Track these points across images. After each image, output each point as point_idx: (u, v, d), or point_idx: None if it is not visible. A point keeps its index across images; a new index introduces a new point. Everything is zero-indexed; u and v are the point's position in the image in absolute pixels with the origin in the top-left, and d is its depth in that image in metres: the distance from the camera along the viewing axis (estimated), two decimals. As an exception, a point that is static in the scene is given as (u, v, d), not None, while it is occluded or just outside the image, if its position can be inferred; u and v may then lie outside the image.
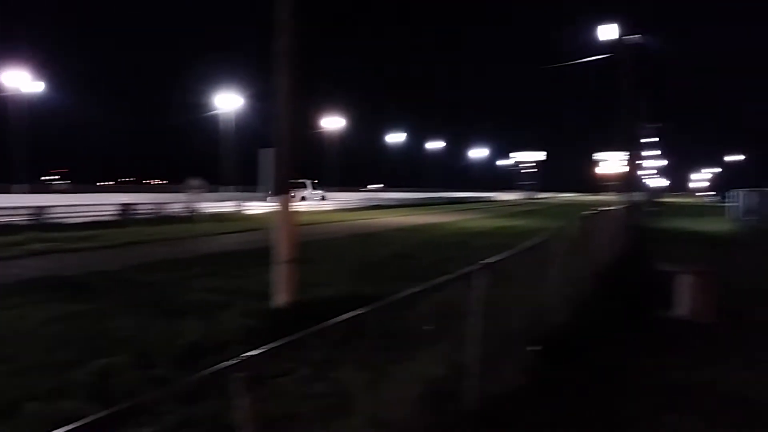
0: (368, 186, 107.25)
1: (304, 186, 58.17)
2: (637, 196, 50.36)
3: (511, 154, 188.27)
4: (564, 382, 6.34)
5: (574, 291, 9.54)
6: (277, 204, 9.59)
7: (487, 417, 4.98)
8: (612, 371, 6.91)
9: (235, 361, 2.44)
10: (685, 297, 9.85)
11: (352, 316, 3.32)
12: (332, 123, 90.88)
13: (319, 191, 64.76)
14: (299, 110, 9.64)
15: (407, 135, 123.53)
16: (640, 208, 38.12)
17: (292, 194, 9.75)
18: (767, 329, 9.04)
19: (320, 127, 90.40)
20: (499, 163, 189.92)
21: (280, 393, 3.88)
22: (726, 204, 57.73)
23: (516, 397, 5.58)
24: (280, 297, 9.30)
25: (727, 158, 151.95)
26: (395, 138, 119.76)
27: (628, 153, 35.24)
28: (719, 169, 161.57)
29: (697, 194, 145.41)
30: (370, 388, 4.71)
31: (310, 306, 9.30)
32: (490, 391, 5.29)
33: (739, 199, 38.23)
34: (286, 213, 9.40)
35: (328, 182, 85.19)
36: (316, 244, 19.75)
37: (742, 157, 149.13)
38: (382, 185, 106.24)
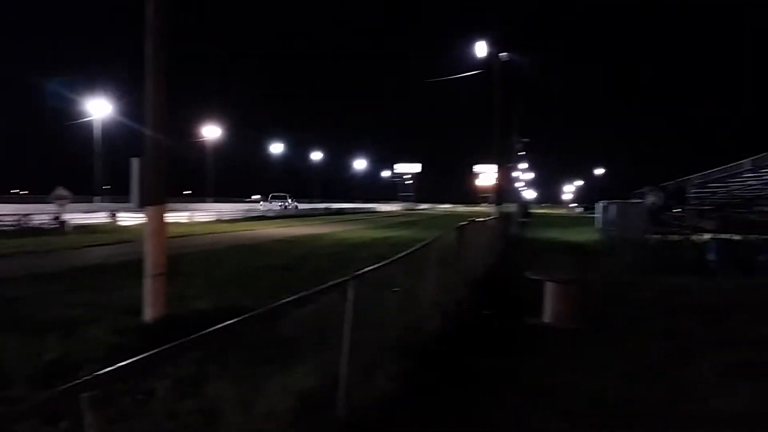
0: (251, 197, 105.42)
1: (285, 198, 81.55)
2: (510, 208, 52.38)
3: (395, 166, 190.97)
4: (436, 388, 6.47)
5: (447, 299, 9.78)
6: (146, 216, 9.22)
7: (359, 426, 4.99)
8: (482, 376, 7.11)
9: (84, 379, 2.31)
10: (551, 304, 10.33)
11: (221, 328, 3.23)
12: (210, 132, 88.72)
13: (295, 202, 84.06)
14: (168, 117, 9.31)
15: (289, 145, 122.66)
16: (513, 219, 39.71)
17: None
18: (624, 334, 9.59)
19: (199, 137, 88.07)
20: (381, 174, 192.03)
21: (139, 412, 3.70)
22: (592, 215, 61.18)
23: (388, 405, 5.62)
24: (151, 311, 8.95)
25: (596, 171, 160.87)
26: (276, 148, 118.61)
27: (498, 165, 36.57)
28: (581, 182, 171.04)
29: (568, 205, 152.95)
30: (242, 402, 4.61)
31: (184, 320, 9.01)
32: (363, 400, 5.30)
33: (600, 210, 40.60)
34: (156, 224, 9.05)
35: (206, 193, 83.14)
36: (193, 256, 19.23)
37: (602, 171, 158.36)
38: (259, 196, 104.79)
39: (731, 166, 32.02)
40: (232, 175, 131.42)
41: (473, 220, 14.30)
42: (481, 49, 34.93)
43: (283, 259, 19.50)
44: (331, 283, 4.64)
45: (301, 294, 4.16)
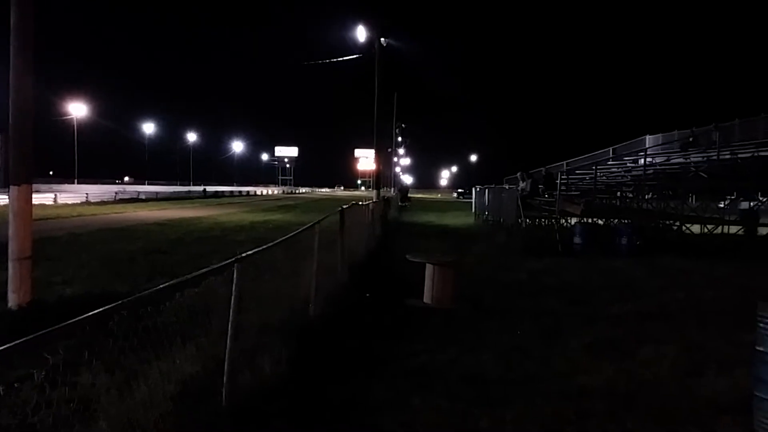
0: (125, 179, 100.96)
1: None
2: (389, 192, 53.02)
3: (275, 149, 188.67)
4: (320, 372, 6.50)
5: (330, 282, 9.83)
6: (9, 196, 8.62)
7: (243, 412, 4.94)
8: (364, 358, 7.20)
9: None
10: (430, 286, 10.59)
11: (97, 314, 3.09)
12: (76, 110, 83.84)
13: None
14: (33, 91, 8.73)
15: (163, 126, 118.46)
16: (393, 203, 40.30)
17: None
18: (498, 314, 9.98)
19: (65, 115, 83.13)
20: (260, 157, 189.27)
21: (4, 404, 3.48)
22: (468, 200, 63.06)
23: (273, 389, 5.60)
24: (16, 297, 8.40)
25: (471, 157, 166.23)
26: (148, 128, 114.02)
27: (377, 150, 36.92)
28: (457, 168, 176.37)
29: (448, 190, 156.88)
30: (120, 391, 4.45)
31: (53, 306, 8.56)
32: (248, 385, 5.26)
33: (476, 195, 42.01)
34: (21, 205, 8.48)
35: (72, 174, 78.71)
36: (60, 240, 18.22)
37: (477, 157, 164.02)
38: (128, 178, 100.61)
39: (596, 154, 34.08)
40: (99, 155, 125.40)
41: (354, 204, 14.41)
42: (361, 33, 35.09)
43: (158, 242, 18.84)
44: (215, 266, 4.54)
45: (185, 277, 4.05)
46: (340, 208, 11.50)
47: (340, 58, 37.08)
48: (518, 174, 26.47)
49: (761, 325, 5.05)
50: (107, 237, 20.27)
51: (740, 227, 22.23)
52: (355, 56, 36.32)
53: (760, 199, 28.02)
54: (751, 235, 21.73)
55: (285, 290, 7.43)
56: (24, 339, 2.59)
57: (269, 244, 5.94)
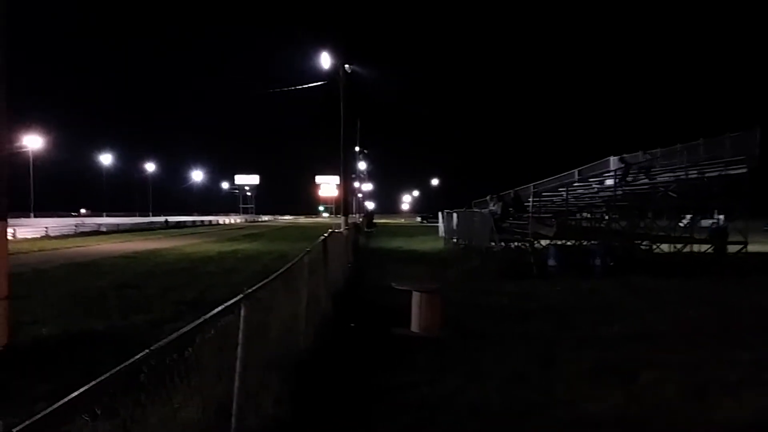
0: (81, 211, 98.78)
1: None
2: (355, 218, 52.76)
3: (235, 178, 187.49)
4: (321, 408, 6.25)
5: (315, 313, 9.56)
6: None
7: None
8: (364, 391, 6.96)
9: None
10: (418, 314, 10.39)
11: (129, 364, 2.81)
12: (32, 142, 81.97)
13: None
14: (9, 124, 8.40)
15: (121, 157, 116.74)
16: (361, 230, 40.10)
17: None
18: (488, 340, 9.81)
19: (19, 147, 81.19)
20: (221, 186, 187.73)
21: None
22: (432, 224, 63.18)
23: (276, 428, 5.33)
24: (-6, 341, 7.96)
25: (432, 181, 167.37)
26: (106, 159, 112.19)
27: (343, 176, 36.81)
28: (418, 193, 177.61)
29: (411, 215, 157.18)
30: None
31: (31, 349, 8.15)
32: (251, 426, 4.97)
33: (441, 219, 42.05)
34: (-3, 242, 8.08)
35: (28, 207, 76.79)
36: (26, 276, 17.59)
37: (438, 181, 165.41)
38: (84, 210, 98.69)
39: (562, 176, 34.39)
40: (56, 187, 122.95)
41: (333, 232, 14.19)
42: (325, 60, 35.10)
43: (127, 276, 18.32)
44: (226, 304, 4.28)
45: (203, 318, 3.78)
46: (322, 237, 11.27)
47: (305, 86, 37.04)
48: (488, 197, 26.52)
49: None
50: (73, 272, 19.63)
51: (709, 245, 22.53)
52: (319, 83, 36.33)
53: (718, 217, 28.55)
54: (720, 253, 22.03)
55: (274, 324, 7.16)
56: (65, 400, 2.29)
57: (270, 278, 5.68)
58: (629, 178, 25.69)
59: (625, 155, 28.65)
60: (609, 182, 27.55)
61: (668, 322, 11.27)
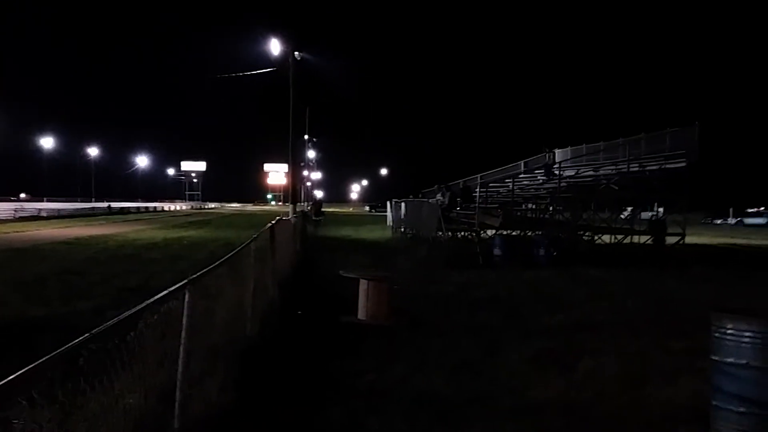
0: (20, 195, 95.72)
1: None
2: (303, 206, 52.49)
3: (181, 164, 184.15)
4: (268, 395, 6.20)
5: (263, 300, 9.48)
6: None
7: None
8: (311, 379, 6.93)
9: None
10: (365, 302, 10.40)
11: (68, 348, 2.73)
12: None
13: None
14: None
15: (63, 141, 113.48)
16: (308, 218, 39.91)
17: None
18: (435, 328, 9.89)
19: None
20: (166, 172, 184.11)
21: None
22: (381, 213, 63.31)
23: (224, 418, 5.26)
24: None
25: (381, 171, 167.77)
26: (47, 143, 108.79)
27: (292, 164, 36.58)
28: (366, 182, 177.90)
29: (360, 204, 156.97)
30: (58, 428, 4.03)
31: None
32: (196, 414, 4.90)
33: (390, 209, 42.16)
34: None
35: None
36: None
37: (386, 171, 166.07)
38: (24, 195, 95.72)
39: (508, 167, 34.87)
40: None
41: (280, 219, 14.08)
42: (274, 47, 34.73)
43: (68, 263, 17.84)
44: (171, 288, 4.20)
45: (146, 303, 3.70)
46: (270, 224, 11.17)
47: (254, 72, 36.62)
48: (436, 187, 26.71)
49: (716, 335, 5.11)
50: (12, 258, 19.00)
51: (649, 237, 23.17)
52: (268, 70, 35.93)
53: (658, 209, 29.39)
54: (659, 244, 22.69)
55: (219, 311, 7.07)
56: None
57: (216, 263, 5.59)
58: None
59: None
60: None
61: (609, 312, 11.53)
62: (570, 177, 27.94)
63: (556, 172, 27.10)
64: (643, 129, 25.26)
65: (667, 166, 22.08)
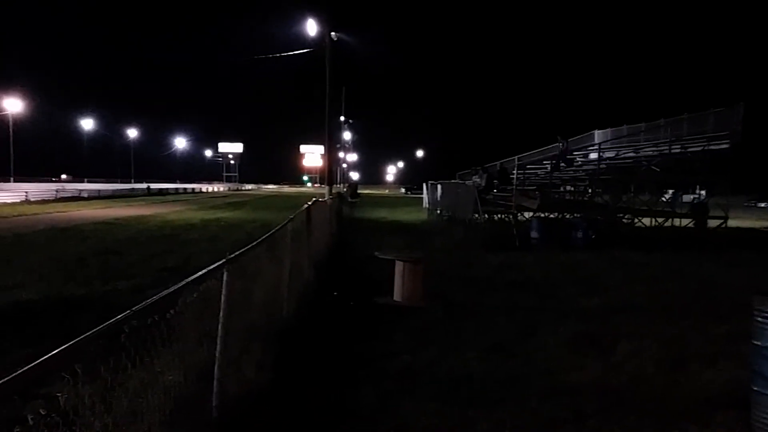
0: (62, 176, 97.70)
1: None
2: (339, 188, 52.63)
3: (218, 145, 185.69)
4: (303, 376, 6.27)
5: (299, 281, 9.56)
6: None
7: (234, 423, 4.68)
8: (345, 360, 6.99)
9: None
10: (401, 283, 10.42)
11: (110, 324, 2.80)
12: (11, 106, 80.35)
13: None
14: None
15: (103, 123, 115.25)
16: (344, 199, 40.06)
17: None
18: (470, 310, 9.87)
19: (1, 111, 79.65)
20: (204, 153, 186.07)
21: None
22: (416, 195, 63.15)
23: (260, 397, 5.34)
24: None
25: (417, 153, 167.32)
26: (87, 124, 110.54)
27: (328, 145, 36.61)
28: (402, 164, 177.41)
29: (395, 186, 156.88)
30: (99, 405, 4.13)
31: (11, 313, 8.10)
32: (235, 392, 4.99)
33: (426, 191, 42.04)
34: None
35: (8, 172, 75.69)
36: (7, 241, 17.44)
37: (422, 153, 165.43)
38: (65, 176, 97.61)
39: (547, 149, 34.43)
40: (36, 152, 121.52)
41: (316, 200, 14.15)
42: (311, 27, 34.71)
43: (108, 242, 18.20)
44: (209, 268, 4.26)
45: (185, 281, 3.76)
46: (306, 205, 11.23)
47: (290, 53, 36.64)
48: (473, 169, 26.53)
49: (758, 319, 5.01)
50: (54, 237, 19.44)
51: (690, 220, 22.76)
52: (304, 51, 35.93)
53: (699, 192, 28.81)
54: (701, 227, 22.27)
55: (256, 291, 7.16)
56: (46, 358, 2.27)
57: (253, 244, 5.65)
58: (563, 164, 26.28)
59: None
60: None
61: (647, 295, 11.38)
62: (610, 159, 27.52)
63: (571, 160, 26.73)
64: (685, 109, 24.76)
65: (710, 147, 21.59)
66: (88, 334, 2.55)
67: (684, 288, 12.16)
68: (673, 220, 22.87)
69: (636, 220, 23.80)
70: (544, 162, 27.98)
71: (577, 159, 27.12)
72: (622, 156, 26.86)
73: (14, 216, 28.91)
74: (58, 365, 2.33)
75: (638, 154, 25.45)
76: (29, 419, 2.18)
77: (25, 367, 2.12)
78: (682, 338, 8.06)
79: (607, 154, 28.34)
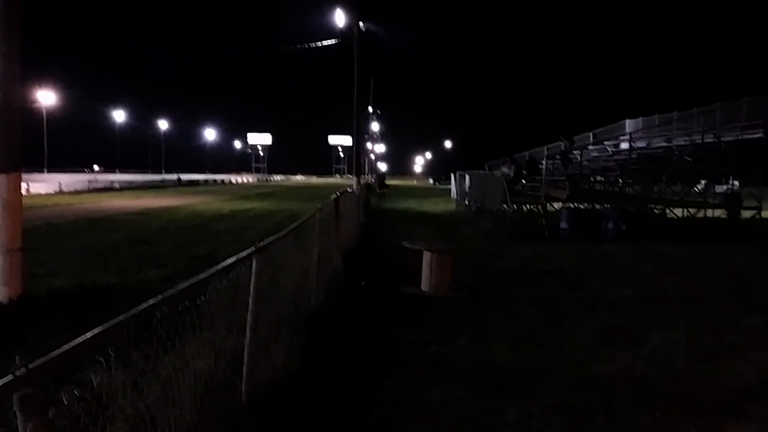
0: (94, 167, 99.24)
1: None
2: (367, 179, 52.73)
3: (248, 136, 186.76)
4: (331, 363, 6.32)
5: (326, 271, 9.62)
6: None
7: (263, 408, 4.74)
8: (373, 348, 7.02)
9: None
10: (428, 273, 10.42)
11: (143, 310, 2.85)
12: (45, 98, 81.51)
13: None
14: (21, 72, 8.39)
15: (134, 115, 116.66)
16: (372, 190, 40.11)
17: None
18: (498, 301, 9.85)
19: (32, 102, 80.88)
20: (233, 144, 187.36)
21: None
22: (444, 186, 63.02)
23: (289, 384, 5.40)
24: (7, 291, 8.06)
25: (445, 143, 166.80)
26: (119, 116, 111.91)
27: (357, 136, 36.64)
28: (430, 155, 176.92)
29: (423, 177, 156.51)
30: (133, 390, 4.21)
31: (45, 300, 8.26)
32: (262, 378, 5.04)
33: (454, 181, 41.90)
34: (11, 194, 8.13)
35: (41, 162, 76.95)
36: (41, 230, 17.74)
37: (450, 144, 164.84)
38: (97, 167, 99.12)
39: (577, 138, 34.09)
40: (69, 143, 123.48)
41: (345, 191, 14.20)
42: (339, 18, 34.75)
43: (140, 232, 18.45)
44: (239, 256, 4.30)
45: (214, 269, 3.81)
46: (334, 195, 11.28)
47: (319, 43, 36.68)
48: (501, 159, 26.39)
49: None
50: (87, 227, 19.79)
51: (723, 210, 22.39)
52: (333, 41, 35.98)
53: (733, 182, 28.30)
54: (734, 218, 21.89)
55: (285, 280, 7.22)
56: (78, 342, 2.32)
57: (282, 233, 5.70)
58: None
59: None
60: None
61: (679, 286, 11.26)
62: (641, 148, 27.15)
63: (573, 159, 26.38)
64: (718, 98, 24.31)
65: (744, 136, 21.19)
66: (119, 318, 2.60)
67: (716, 279, 11.99)
68: (705, 210, 22.50)
69: (668, 211, 23.47)
70: (574, 152, 27.64)
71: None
72: (654, 146, 26.48)
73: (48, 206, 29.44)
74: (91, 349, 2.38)
75: (670, 144, 25.06)
76: (64, 399, 2.22)
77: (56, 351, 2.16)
78: (713, 329, 7.97)
79: (639, 144, 27.97)
